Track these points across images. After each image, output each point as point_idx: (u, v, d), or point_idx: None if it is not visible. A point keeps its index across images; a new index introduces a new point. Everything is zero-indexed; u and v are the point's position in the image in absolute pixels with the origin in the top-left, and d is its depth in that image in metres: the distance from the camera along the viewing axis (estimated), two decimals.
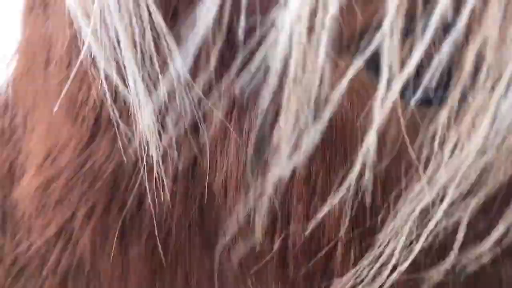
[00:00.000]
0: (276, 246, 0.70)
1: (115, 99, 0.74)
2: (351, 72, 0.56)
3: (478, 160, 0.57)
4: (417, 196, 0.62)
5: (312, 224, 0.66)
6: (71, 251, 0.97)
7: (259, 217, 0.68)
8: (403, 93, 0.58)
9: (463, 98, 0.57)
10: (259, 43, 0.59)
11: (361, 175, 0.61)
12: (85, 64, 0.74)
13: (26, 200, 0.96)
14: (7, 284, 1.09)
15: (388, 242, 0.67)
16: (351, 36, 0.60)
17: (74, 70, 0.74)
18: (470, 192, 0.61)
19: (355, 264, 0.69)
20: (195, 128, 0.71)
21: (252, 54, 0.61)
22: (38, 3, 0.93)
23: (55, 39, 0.86)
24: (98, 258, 0.94)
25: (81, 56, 0.71)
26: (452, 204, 0.60)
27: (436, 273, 0.65)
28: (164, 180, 0.73)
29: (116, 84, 0.70)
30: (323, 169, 0.67)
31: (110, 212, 0.86)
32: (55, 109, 0.76)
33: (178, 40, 0.67)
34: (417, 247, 0.63)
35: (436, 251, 0.66)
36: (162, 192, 0.75)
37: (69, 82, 0.75)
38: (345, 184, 0.63)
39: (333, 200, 0.64)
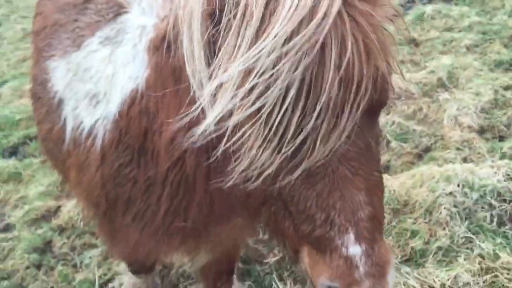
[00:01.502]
0: None
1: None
2: None
3: None
4: None
5: None
6: (183, 173, 1.88)
7: None
8: None
9: None
10: None
11: None
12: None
13: (162, 146, 1.85)
14: (140, 193, 2.05)
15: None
16: None
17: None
18: None
19: None
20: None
21: None
22: (162, 45, 1.80)
23: (179, 70, 1.70)
24: (196, 176, 1.85)
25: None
26: None
27: None
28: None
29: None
30: None
31: (203, 155, 1.73)
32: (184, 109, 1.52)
33: None
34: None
35: None
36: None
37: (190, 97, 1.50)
38: None
39: None
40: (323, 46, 1.19)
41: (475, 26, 6.08)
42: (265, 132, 1.25)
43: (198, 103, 1.39)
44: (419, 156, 4.01)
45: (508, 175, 3.29)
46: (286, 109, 1.22)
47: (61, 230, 4.00)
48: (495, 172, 3.31)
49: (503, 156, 3.62)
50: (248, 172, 1.33)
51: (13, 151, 5.29)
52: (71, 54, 2.35)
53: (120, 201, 2.14)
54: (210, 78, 1.34)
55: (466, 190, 3.20)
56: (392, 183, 3.50)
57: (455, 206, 3.16)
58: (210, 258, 2.60)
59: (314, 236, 1.36)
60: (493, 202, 3.14)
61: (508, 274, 2.67)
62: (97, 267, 3.51)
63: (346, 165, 1.32)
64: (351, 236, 1.31)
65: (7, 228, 4.18)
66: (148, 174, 2.00)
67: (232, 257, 2.76)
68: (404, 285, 2.74)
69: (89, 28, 2.37)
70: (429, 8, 6.58)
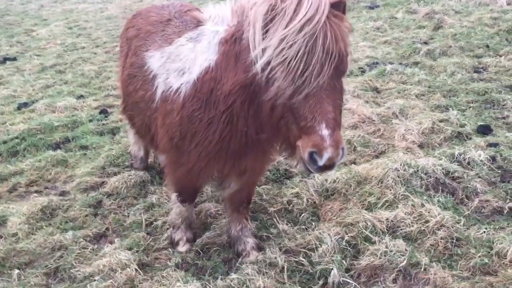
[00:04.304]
0: None
1: None
2: None
3: None
4: None
5: None
6: (232, 114, 3.12)
7: None
8: None
9: None
10: None
11: None
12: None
13: (221, 97, 3.10)
14: (203, 128, 3.25)
15: None
16: None
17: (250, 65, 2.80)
18: None
19: None
20: None
21: None
22: (230, 40, 3.08)
23: (239, 54, 2.96)
24: (239, 115, 3.07)
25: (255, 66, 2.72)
26: None
27: None
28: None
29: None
30: None
31: (244, 103, 2.98)
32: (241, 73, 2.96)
33: None
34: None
35: None
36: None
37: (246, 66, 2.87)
38: None
39: None
40: (316, 33, 2.37)
41: (423, 82, 7.67)
42: (287, 71, 2.41)
43: (254, 53, 2.58)
44: (377, 157, 5.41)
45: (434, 163, 4.77)
46: (298, 60, 2.36)
47: (108, 195, 5.11)
48: (426, 162, 4.80)
49: (433, 157, 5.12)
50: (278, 91, 2.52)
51: (56, 147, 6.45)
52: (164, 48, 3.79)
53: (188, 134, 3.30)
54: (261, 44, 2.53)
55: (406, 167, 4.63)
56: (357, 168, 4.92)
57: (398, 177, 4.57)
58: (237, 187, 3.91)
59: (306, 127, 2.45)
60: (422, 175, 4.57)
61: (429, 213, 4.07)
62: (143, 214, 4.67)
63: (324, 93, 2.45)
64: (324, 125, 2.42)
65: (63, 194, 5.27)
66: (210, 116, 3.15)
67: (250, 189, 4.03)
68: (365, 221, 4.08)
69: (175, 34, 3.84)
70: (389, 67, 8.22)
